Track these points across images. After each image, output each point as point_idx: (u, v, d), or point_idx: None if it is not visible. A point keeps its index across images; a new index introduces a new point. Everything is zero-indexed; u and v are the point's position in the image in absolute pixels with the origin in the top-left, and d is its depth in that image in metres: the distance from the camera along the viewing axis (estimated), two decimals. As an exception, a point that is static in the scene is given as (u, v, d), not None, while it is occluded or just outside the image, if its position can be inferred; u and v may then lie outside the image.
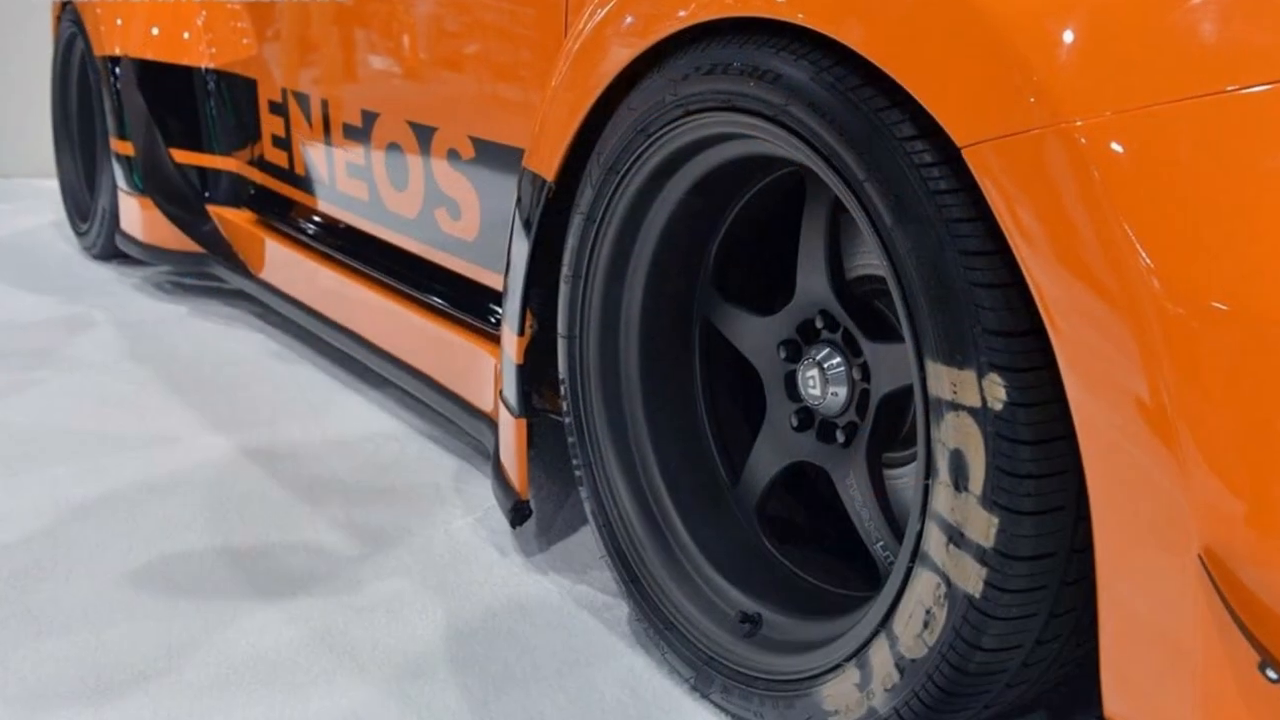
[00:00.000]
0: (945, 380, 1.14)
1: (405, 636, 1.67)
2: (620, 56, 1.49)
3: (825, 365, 1.47)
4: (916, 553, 1.21)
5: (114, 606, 1.74)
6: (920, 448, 1.20)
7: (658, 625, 1.58)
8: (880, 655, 1.26)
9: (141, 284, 3.56)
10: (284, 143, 2.99)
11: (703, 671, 1.51)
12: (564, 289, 1.65)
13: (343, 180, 2.70)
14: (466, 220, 2.23)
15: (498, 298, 2.03)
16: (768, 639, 1.48)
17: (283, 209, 3.08)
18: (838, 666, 1.32)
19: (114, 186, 3.46)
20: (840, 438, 1.49)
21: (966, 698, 1.22)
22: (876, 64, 1.15)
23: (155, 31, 3.33)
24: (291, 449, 2.33)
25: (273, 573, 1.85)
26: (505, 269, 1.76)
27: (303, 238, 2.91)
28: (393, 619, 1.71)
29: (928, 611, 1.20)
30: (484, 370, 2.07)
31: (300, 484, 2.17)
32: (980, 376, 1.10)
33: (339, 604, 1.75)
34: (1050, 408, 1.08)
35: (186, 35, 3.31)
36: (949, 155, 1.11)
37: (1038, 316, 1.05)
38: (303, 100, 2.84)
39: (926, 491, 1.19)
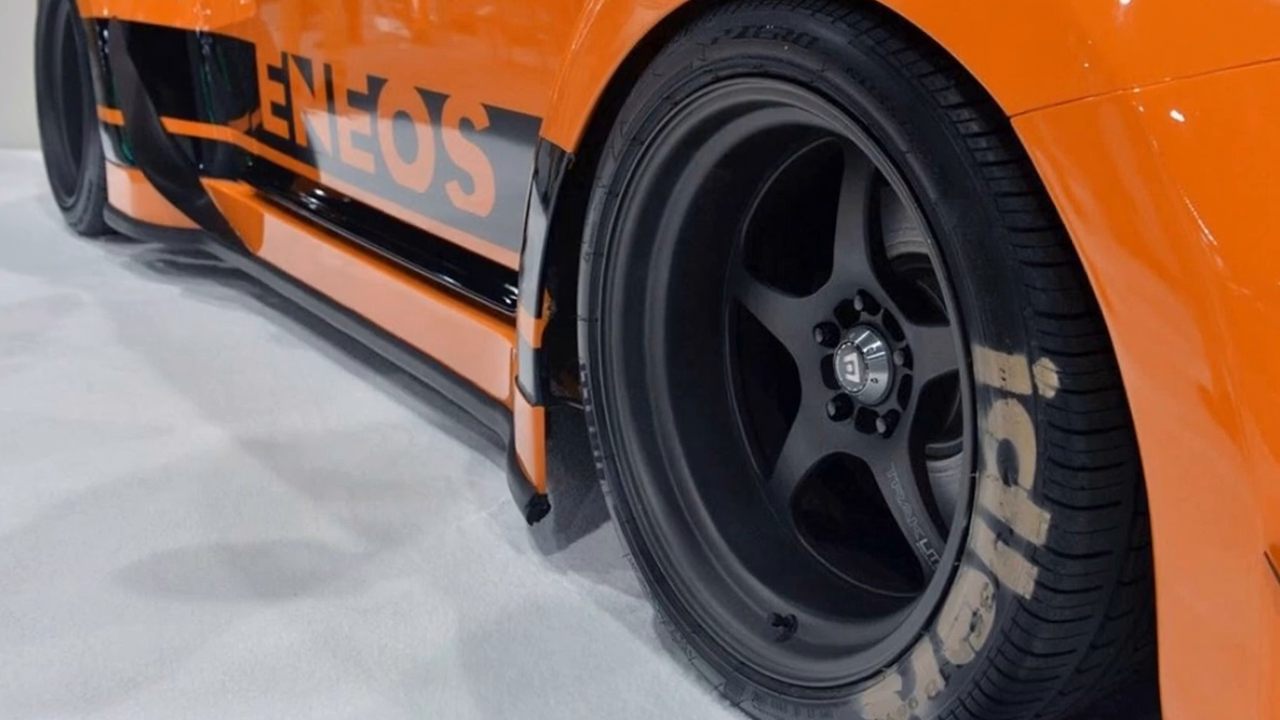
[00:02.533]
0: (993, 366, 1.14)
1: (414, 640, 1.69)
2: (645, 19, 1.50)
3: (864, 350, 1.48)
4: (962, 551, 1.22)
5: (102, 608, 1.76)
6: (966, 438, 1.21)
7: (685, 628, 1.59)
8: (924, 661, 1.27)
9: (131, 262, 3.58)
10: (284, 111, 3.01)
11: (733, 678, 1.52)
12: (584, 268, 1.66)
13: (347, 151, 2.72)
14: (480, 194, 2.24)
15: (513, 277, 2.05)
16: (802, 643, 1.49)
17: (283, 182, 3.10)
18: (878, 673, 1.33)
19: (102, 158, 3.48)
20: (880, 427, 1.50)
21: (1016, 706, 1.23)
22: (920, 26, 1.16)
23: (146, -9, 3.35)
24: (292, 440, 2.35)
25: (272, 572, 1.86)
26: (521, 246, 1.77)
27: (304, 213, 2.92)
28: (401, 621, 1.73)
29: (975, 614, 1.21)
30: (499, 355, 2.09)
31: (301, 477, 2.19)
32: (1031, 362, 1.11)
33: (343, 605, 1.77)
34: (1105, 395, 1.09)
35: (179, -5, 3.33)
36: (997, 125, 1.11)
37: (1092, 298, 1.06)
38: (304, 65, 2.85)
39: (973, 485, 1.20)
